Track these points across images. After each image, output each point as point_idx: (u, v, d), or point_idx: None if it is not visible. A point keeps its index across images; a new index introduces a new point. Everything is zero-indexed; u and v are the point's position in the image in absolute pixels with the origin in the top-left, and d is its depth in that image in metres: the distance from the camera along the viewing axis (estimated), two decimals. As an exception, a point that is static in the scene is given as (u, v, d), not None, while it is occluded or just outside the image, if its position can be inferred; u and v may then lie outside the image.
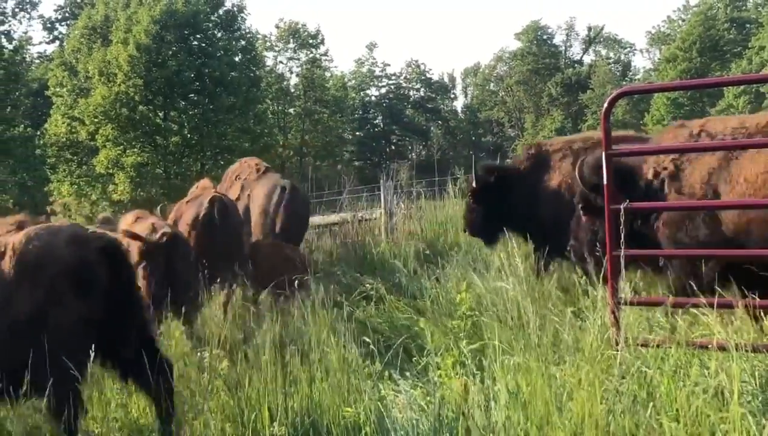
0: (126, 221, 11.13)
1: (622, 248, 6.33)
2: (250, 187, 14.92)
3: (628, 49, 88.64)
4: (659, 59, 72.27)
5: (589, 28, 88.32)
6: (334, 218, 17.12)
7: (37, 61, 68.83)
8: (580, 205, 9.17)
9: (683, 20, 75.14)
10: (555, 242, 10.12)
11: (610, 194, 6.64)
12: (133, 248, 9.99)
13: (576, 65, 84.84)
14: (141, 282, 9.58)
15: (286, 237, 13.27)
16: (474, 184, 11.80)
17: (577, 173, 9.13)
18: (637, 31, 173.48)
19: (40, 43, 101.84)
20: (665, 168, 8.17)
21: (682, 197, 7.89)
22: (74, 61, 48.54)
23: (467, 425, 5.17)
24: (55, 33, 71.72)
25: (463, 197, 15.06)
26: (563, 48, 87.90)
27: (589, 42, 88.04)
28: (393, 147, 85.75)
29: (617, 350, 5.56)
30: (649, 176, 8.27)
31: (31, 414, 6.65)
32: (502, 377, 5.54)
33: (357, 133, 78.92)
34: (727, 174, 7.58)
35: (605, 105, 6.61)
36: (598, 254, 8.23)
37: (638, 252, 6.81)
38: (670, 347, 5.42)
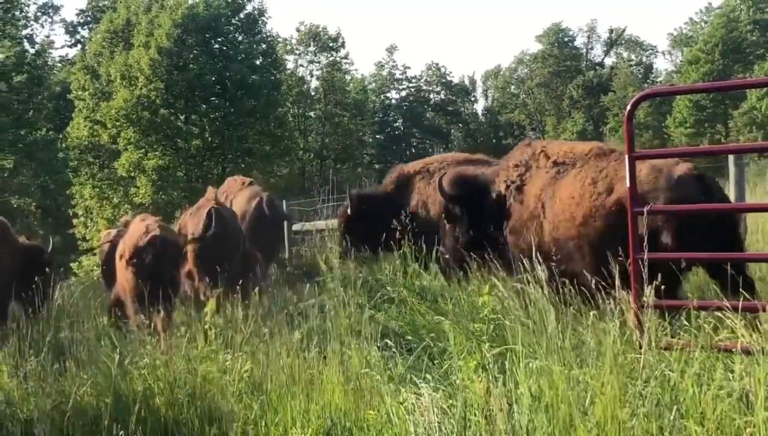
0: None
1: (645, 251, 6.31)
2: (233, 196, 17.18)
3: (650, 51, 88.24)
4: (681, 61, 71.79)
5: (611, 30, 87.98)
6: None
7: (59, 64, 69.22)
8: (443, 215, 10.55)
9: (705, 22, 74.68)
10: (428, 250, 11.32)
11: (633, 197, 6.61)
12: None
13: (597, 67, 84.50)
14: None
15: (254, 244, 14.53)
16: (348, 212, 13.27)
17: (437, 187, 10.57)
18: (659, 33, 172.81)
19: (62, 46, 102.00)
20: (513, 181, 9.39)
21: (521, 208, 9.18)
22: (96, 64, 48.77)
23: (490, 429, 5.17)
24: (77, 37, 72.18)
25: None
26: (584, 50, 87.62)
27: (611, 44, 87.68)
28: (413, 150, 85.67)
29: (640, 354, 5.53)
30: (501, 188, 9.54)
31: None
32: (524, 381, 5.52)
33: (377, 136, 78.87)
34: (551, 191, 8.76)
35: (628, 107, 6.58)
36: (461, 257, 9.91)
37: (661, 255, 6.78)
38: (694, 351, 5.38)
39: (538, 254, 8.03)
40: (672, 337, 6.06)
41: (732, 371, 5.22)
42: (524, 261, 7.93)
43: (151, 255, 11.36)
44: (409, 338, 7.97)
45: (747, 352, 5.34)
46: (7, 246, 12.62)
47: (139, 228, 11.91)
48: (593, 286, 7.49)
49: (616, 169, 8.13)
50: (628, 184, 6.59)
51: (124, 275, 11.97)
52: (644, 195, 7.39)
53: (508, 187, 9.44)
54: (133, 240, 11.75)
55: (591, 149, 8.90)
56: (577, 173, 8.58)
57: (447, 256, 10.85)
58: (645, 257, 6.29)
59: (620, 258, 7.05)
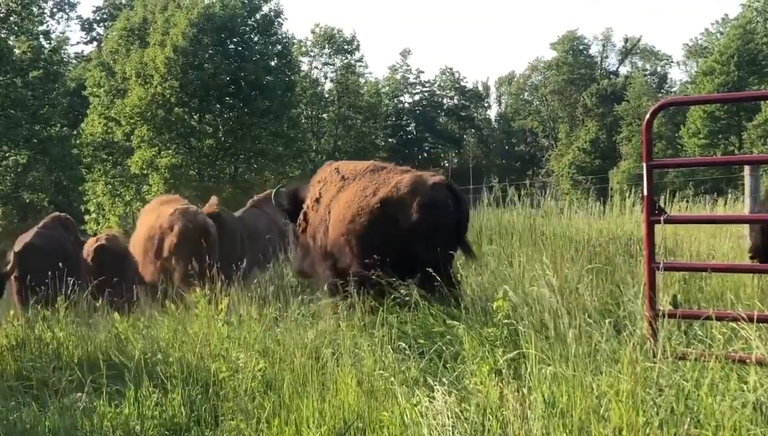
0: None
1: (661, 260, 6.30)
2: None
3: (665, 61, 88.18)
4: (696, 72, 71.58)
5: (626, 40, 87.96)
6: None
7: (74, 61, 69.55)
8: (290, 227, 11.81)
9: (721, 33, 74.48)
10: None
11: (649, 206, 6.58)
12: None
13: (612, 76, 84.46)
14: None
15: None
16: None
17: (273, 201, 12.25)
18: (674, 44, 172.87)
19: (78, 43, 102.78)
20: (318, 193, 10.88)
21: (316, 215, 10.74)
22: (112, 62, 48.97)
23: (504, 433, 5.17)
24: (93, 34, 72.53)
25: (498, 206, 15.20)
26: (599, 59, 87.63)
27: (626, 53, 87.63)
28: (425, 154, 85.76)
29: (654, 362, 5.53)
30: (310, 200, 11.01)
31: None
32: (538, 387, 5.52)
33: (390, 139, 78.89)
34: (336, 199, 10.41)
35: (647, 116, 6.53)
36: (305, 269, 11.14)
37: (677, 264, 6.77)
38: (708, 361, 5.37)
39: (323, 253, 10.40)
40: (686, 347, 6.07)
41: (746, 382, 5.22)
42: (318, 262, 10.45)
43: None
44: (422, 341, 7.96)
45: (761, 363, 5.34)
46: None
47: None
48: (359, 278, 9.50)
49: (384, 178, 10.16)
50: (645, 193, 6.53)
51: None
52: (403, 197, 9.65)
53: (312, 200, 10.99)
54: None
55: (368, 166, 10.71)
56: (355, 184, 10.40)
57: (294, 265, 12.07)
58: (661, 265, 6.29)
59: (381, 251, 9.17)
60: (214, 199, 16.29)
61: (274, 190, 12.80)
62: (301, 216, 11.13)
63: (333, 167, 11.13)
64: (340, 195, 10.45)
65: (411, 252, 9.44)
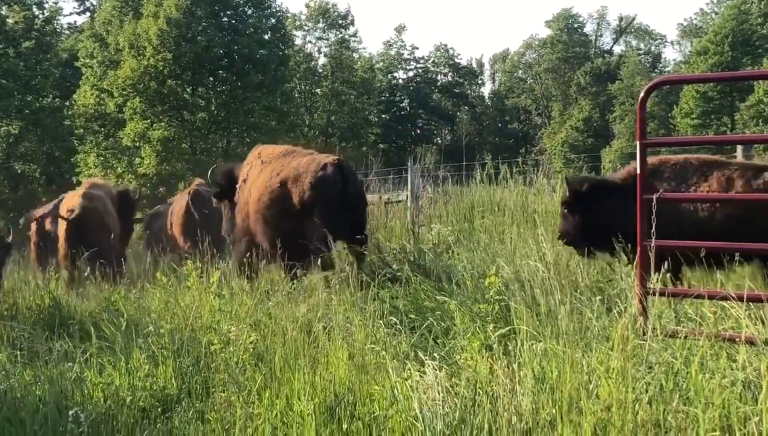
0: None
1: (653, 238, 6.30)
2: None
3: (659, 40, 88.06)
4: (690, 52, 71.50)
5: (621, 18, 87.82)
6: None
7: (67, 31, 69.08)
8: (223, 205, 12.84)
9: (716, 13, 74.39)
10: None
11: (642, 183, 6.58)
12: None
13: (606, 55, 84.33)
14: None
15: None
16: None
17: (209, 178, 13.49)
18: (668, 23, 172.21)
19: (71, 13, 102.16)
20: (246, 174, 11.98)
21: (242, 197, 11.79)
22: (105, 33, 48.66)
23: (494, 408, 5.20)
24: (86, 4, 72.00)
25: (490, 184, 15.26)
26: (593, 37, 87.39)
27: (620, 32, 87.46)
28: (419, 131, 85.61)
29: (645, 340, 5.56)
30: (240, 181, 12.11)
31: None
32: (528, 363, 5.55)
33: (383, 115, 78.71)
34: (255, 182, 11.48)
35: (641, 94, 6.51)
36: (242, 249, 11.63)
37: (669, 243, 6.77)
38: (698, 339, 5.40)
39: (243, 230, 11.55)
40: (676, 325, 6.10)
41: (735, 361, 5.25)
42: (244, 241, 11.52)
43: None
44: (413, 316, 7.99)
45: (751, 342, 5.37)
46: None
47: None
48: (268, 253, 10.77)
49: (289, 161, 11.22)
50: (638, 171, 6.54)
51: None
52: (300, 175, 10.69)
53: (241, 180, 12.08)
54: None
55: (283, 150, 11.96)
56: (269, 167, 11.47)
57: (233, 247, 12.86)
58: (653, 243, 6.30)
59: (283, 227, 10.55)
60: (197, 181, 18.03)
61: (211, 168, 13.92)
62: (236, 194, 12.22)
63: (257, 151, 12.40)
64: (258, 177, 11.52)
65: (306, 226, 10.40)
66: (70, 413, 5.72)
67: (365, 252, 10.24)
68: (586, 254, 8.79)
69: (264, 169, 11.54)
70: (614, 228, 8.24)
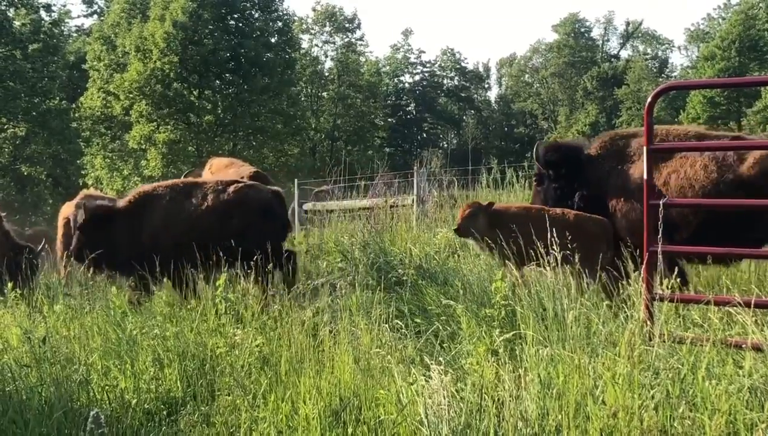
0: None
1: (659, 243, 6.28)
2: None
3: (666, 45, 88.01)
4: (697, 57, 71.48)
5: (628, 23, 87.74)
6: (365, 202, 17.10)
7: (74, 34, 69.23)
8: None
9: (723, 18, 74.33)
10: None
11: (649, 189, 6.56)
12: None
13: (612, 60, 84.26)
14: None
15: None
16: None
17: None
18: (675, 28, 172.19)
19: (79, 16, 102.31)
20: None
21: None
22: (113, 35, 48.79)
23: (500, 413, 5.19)
24: (94, 7, 72.14)
25: (496, 188, 15.26)
26: (600, 42, 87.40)
27: (627, 37, 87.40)
28: (425, 135, 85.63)
29: (651, 346, 5.54)
30: None
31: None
32: (534, 367, 5.53)
33: (389, 119, 78.75)
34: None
35: (649, 99, 6.50)
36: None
37: (676, 248, 6.76)
38: (705, 345, 5.38)
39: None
40: (683, 331, 6.08)
41: (741, 367, 5.23)
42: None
43: None
44: (419, 320, 7.98)
45: (757, 348, 5.35)
46: None
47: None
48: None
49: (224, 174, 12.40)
50: (645, 177, 6.53)
51: None
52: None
53: None
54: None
55: (228, 163, 13.65)
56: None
57: None
58: (659, 248, 6.28)
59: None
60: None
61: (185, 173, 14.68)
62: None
63: (209, 163, 14.07)
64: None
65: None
66: (91, 414, 5.70)
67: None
68: None
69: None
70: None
